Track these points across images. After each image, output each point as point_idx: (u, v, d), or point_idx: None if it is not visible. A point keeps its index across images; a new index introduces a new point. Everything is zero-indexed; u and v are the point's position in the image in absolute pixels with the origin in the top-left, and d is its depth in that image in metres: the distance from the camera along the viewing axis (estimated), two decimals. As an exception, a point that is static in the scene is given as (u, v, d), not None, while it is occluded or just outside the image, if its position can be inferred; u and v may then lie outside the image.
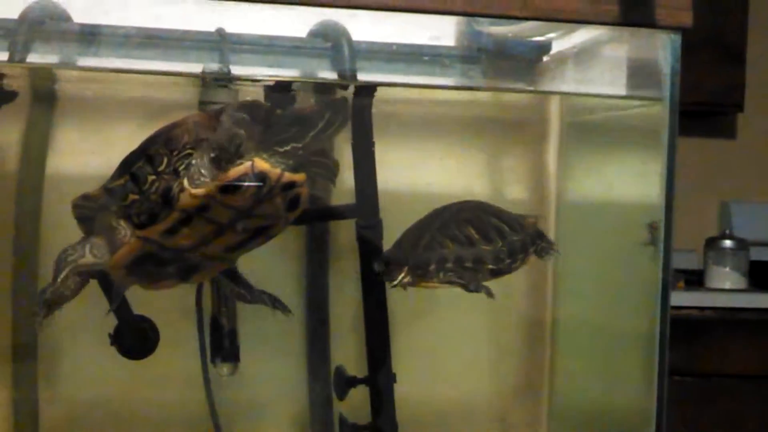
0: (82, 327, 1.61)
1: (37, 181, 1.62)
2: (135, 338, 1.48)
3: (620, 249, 1.55)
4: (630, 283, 1.51)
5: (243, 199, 1.33)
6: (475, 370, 1.65)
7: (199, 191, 1.32)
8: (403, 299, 1.63)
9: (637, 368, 1.47)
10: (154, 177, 1.33)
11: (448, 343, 1.71)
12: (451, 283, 1.46)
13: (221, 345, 1.57)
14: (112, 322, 1.47)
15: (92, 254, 1.38)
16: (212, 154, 1.31)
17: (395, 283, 1.45)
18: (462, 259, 1.44)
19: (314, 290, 1.67)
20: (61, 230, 1.52)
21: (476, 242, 1.45)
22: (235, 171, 1.30)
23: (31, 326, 1.53)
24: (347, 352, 1.67)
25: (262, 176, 1.32)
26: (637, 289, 1.48)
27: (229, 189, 1.31)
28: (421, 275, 1.45)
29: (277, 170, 1.32)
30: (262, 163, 1.31)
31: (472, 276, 1.45)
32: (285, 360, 1.66)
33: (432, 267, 1.44)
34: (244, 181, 1.31)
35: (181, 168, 1.32)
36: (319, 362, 1.65)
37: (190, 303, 1.59)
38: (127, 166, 1.36)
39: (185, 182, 1.32)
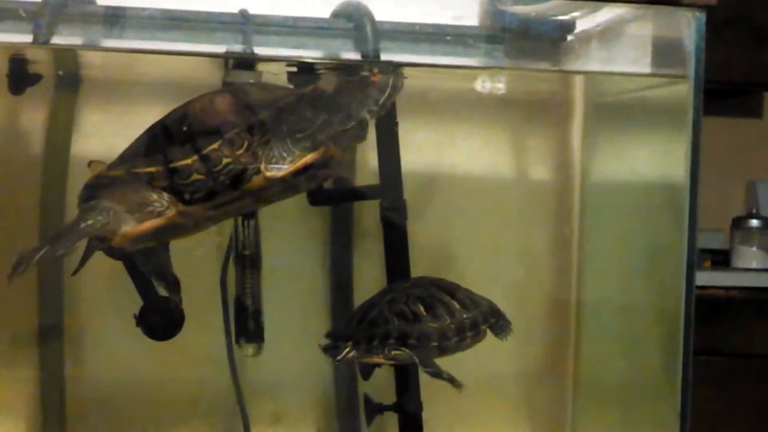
0: (107, 307, 1.62)
1: (62, 164, 1.62)
2: (160, 319, 1.49)
3: (645, 229, 1.54)
4: (655, 263, 1.50)
5: (306, 180, 1.38)
6: (500, 350, 1.64)
7: (276, 174, 1.34)
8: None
9: (662, 348, 1.46)
10: (229, 160, 1.33)
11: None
12: (398, 360, 1.46)
13: (246, 325, 1.57)
14: (137, 302, 1.47)
15: (113, 221, 1.37)
16: (296, 137, 1.34)
17: (339, 357, 1.46)
18: (406, 335, 1.44)
19: (338, 271, 1.67)
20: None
21: (423, 319, 1.45)
22: (311, 156, 1.34)
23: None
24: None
25: (330, 158, 1.36)
26: (663, 268, 1.47)
27: (301, 172, 1.34)
28: (365, 350, 1.45)
29: (341, 151, 1.38)
30: (333, 149, 1.36)
31: (426, 354, 1.45)
32: (309, 340, 1.66)
33: (375, 342, 1.44)
34: (318, 166, 1.35)
35: (260, 152, 1.34)
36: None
37: (214, 283, 1.59)
38: (185, 144, 1.35)
39: (262, 166, 1.34)
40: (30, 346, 1.64)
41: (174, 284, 1.45)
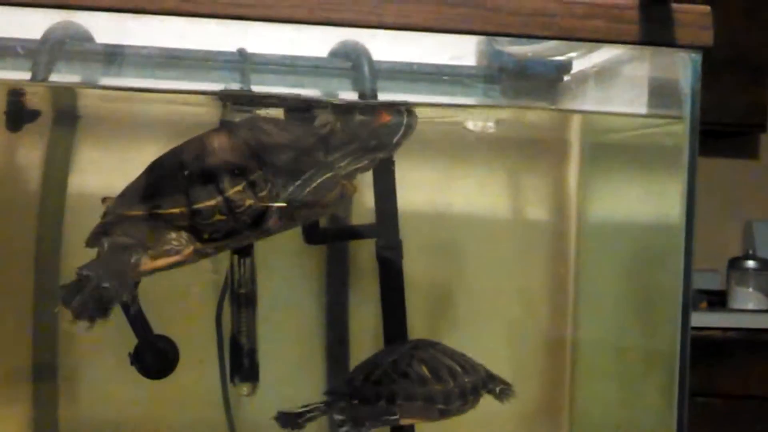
0: (102, 346, 1.62)
1: (59, 201, 1.62)
2: (155, 358, 1.48)
3: (641, 269, 1.54)
4: (651, 304, 1.50)
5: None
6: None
7: (298, 214, 1.39)
8: (422, 319, 1.64)
9: (658, 389, 1.46)
10: (252, 202, 1.34)
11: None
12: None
13: (241, 364, 1.57)
14: (132, 341, 1.47)
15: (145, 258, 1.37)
16: (315, 179, 1.37)
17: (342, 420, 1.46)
18: (412, 396, 1.45)
19: (334, 310, 1.67)
20: (82, 251, 1.53)
21: (428, 381, 1.46)
22: (331, 196, 1.38)
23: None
24: (367, 372, 1.66)
25: (345, 195, 1.41)
26: (659, 309, 1.47)
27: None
28: (371, 412, 1.45)
29: (354, 188, 1.42)
30: (348, 186, 1.40)
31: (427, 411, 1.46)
32: (305, 379, 1.66)
33: (381, 403, 1.44)
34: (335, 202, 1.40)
35: (282, 194, 1.35)
36: (339, 380, 1.65)
37: (209, 322, 1.59)
38: (207, 184, 1.35)
39: (284, 206, 1.36)
40: (24, 384, 1.63)
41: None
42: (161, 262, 1.36)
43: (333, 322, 1.67)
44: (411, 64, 1.51)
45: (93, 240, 1.39)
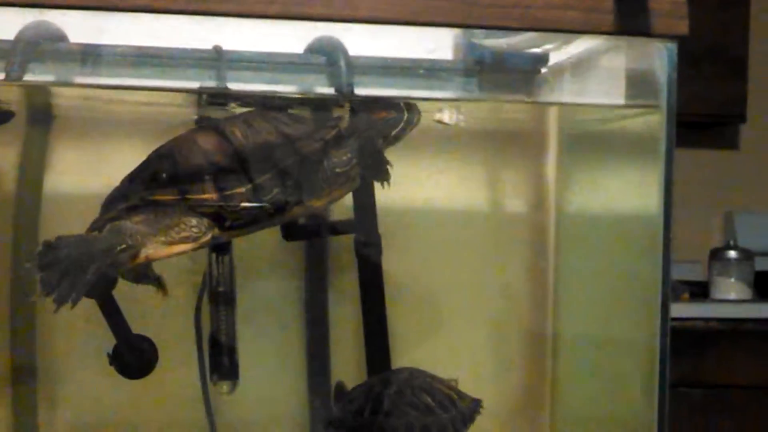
0: (81, 347, 1.61)
1: (35, 201, 1.61)
2: (134, 357, 1.47)
3: (621, 261, 1.54)
4: (631, 294, 1.50)
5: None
6: (477, 384, 1.63)
7: (317, 203, 1.42)
8: (403, 315, 1.63)
9: (639, 380, 1.46)
10: (278, 190, 1.37)
11: (449, 357, 1.70)
12: None
13: (220, 363, 1.56)
14: (111, 341, 1.46)
15: (139, 244, 1.36)
16: (334, 172, 1.41)
17: None
18: (428, 427, 1.44)
19: (314, 306, 1.66)
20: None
21: (434, 410, 1.45)
22: (345, 190, 1.45)
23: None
24: (348, 368, 1.66)
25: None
26: (638, 300, 1.47)
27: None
28: None
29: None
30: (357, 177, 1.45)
31: None
32: (285, 377, 1.65)
33: None
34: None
35: (304, 184, 1.39)
36: (319, 378, 1.65)
37: (188, 321, 1.58)
38: (236, 172, 1.37)
39: (304, 196, 1.39)
40: (2, 387, 1.62)
41: None
42: (177, 248, 1.37)
43: (313, 318, 1.66)
44: (387, 59, 1.51)
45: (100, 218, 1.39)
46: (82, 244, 1.33)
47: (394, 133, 1.46)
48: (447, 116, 1.49)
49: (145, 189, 1.38)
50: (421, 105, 1.53)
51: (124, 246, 1.34)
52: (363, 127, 1.44)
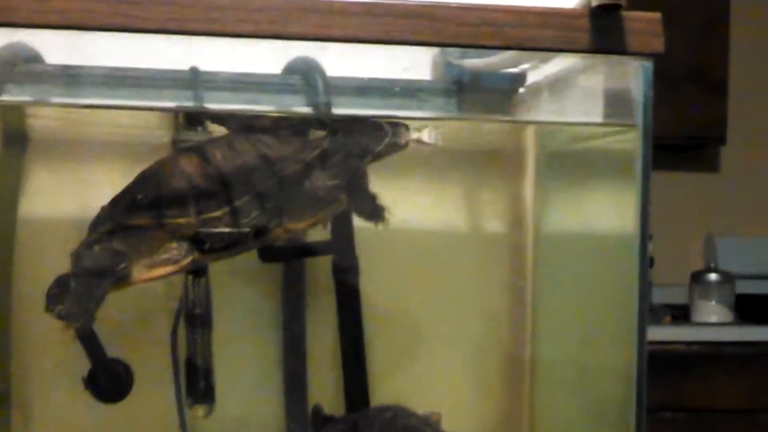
0: (55, 371, 1.59)
1: (10, 224, 1.60)
2: (109, 381, 1.47)
3: (599, 281, 1.53)
4: (609, 317, 1.49)
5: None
6: (455, 407, 1.63)
7: (295, 226, 1.40)
8: (380, 337, 1.62)
9: (618, 403, 1.45)
10: (257, 213, 1.36)
11: (428, 380, 1.69)
12: None
13: (197, 386, 1.55)
14: (86, 365, 1.45)
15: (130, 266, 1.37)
16: (315, 194, 1.40)
17: None
18: None
19: (291, 328, 1.65)
20: (34, 275, 1.51)
21: None
22: (327, 211, 1.43)
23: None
24: (325, 390, 1.65)
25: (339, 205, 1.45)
26: (617, 322, 1.46)
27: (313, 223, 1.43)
28: None
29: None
30: (341, 197, 1.44)
31: None
32: (262, 399, 1.64)
33: None
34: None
35: (283, 207, 1.38)
36: (296, 401, 1.63)
37: (164, 343, 1.57)
38: (215, 196, 1.36)
39: (285, 219, 1.38)
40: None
41: None
42: (158, 271, 1.36)
43: (290, 340, 1.65)
44: (365, 79, 1.51)
45: (83, 251, 1.38)
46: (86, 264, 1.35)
47: (377, 149, 1.45)
48: (426, 135, 1.49)
49: (125, 212, 1.38)
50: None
51: (124, 265, 1.35)
52: (346, 149, 1.43)
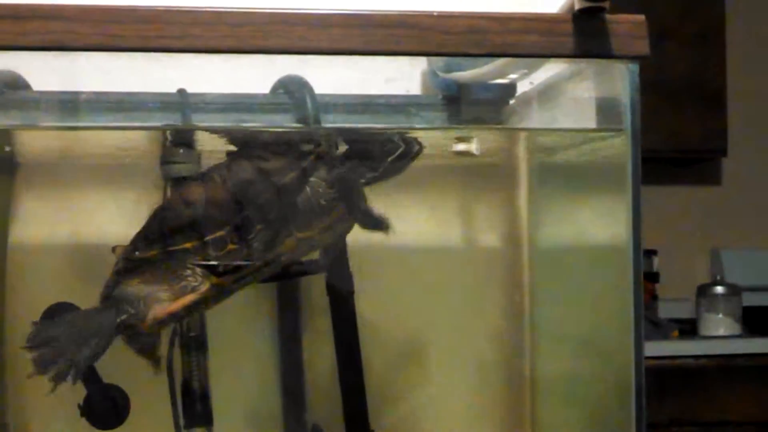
0: (52, 399, 1.58)
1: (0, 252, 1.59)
2: (106, 407, 1.46)
3: (596, 293, 1.52)
4: (607, 330, 1.48)
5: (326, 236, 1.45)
6: (455, 426, 1.61)
7: (306, 234, 1.39)
8: (377, 353, 1.61)
9: (618, 418, 1.43)
10: (261, 226, 1.36)
11: (427, 399, 1.68)
12: None
13: (194, 409, 1.54)
14: (82, 392, 1.44)
15: (142, 307, 1.37)
16: (320, 203, 1.39)
17: None
18: None
19: (288, 348, 1.64)
20: (25, 303, 1.51)
21: None
22: (332, 217, 1.41)
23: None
24: (324, 411, 1.63)
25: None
26: (615, 335, 1.45)
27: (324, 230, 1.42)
28: None
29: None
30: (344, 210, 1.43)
31: None
32: (260, 421, 1.63)
33: None
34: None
35: (289, 216, 1.38)
36: (295, 422, 1.62)
37: (161, 368, 1.55)
38: (216, 217, 1.37)
39: (293, 228, 1.38)
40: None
41: None
42: (180, 303, 1.36)
43: (287, 360, 1.64)
44: (353, 96, 1.50)
45: (106, 293, 1.39)
46: (78, 321, 1.37)
47: (382, 166, 1.44)
48: (474, 147, 1.48)
49: (133, 249, 1.39)
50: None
51: (124, 316, 1.35)
52: (341, 159, 1.43)
